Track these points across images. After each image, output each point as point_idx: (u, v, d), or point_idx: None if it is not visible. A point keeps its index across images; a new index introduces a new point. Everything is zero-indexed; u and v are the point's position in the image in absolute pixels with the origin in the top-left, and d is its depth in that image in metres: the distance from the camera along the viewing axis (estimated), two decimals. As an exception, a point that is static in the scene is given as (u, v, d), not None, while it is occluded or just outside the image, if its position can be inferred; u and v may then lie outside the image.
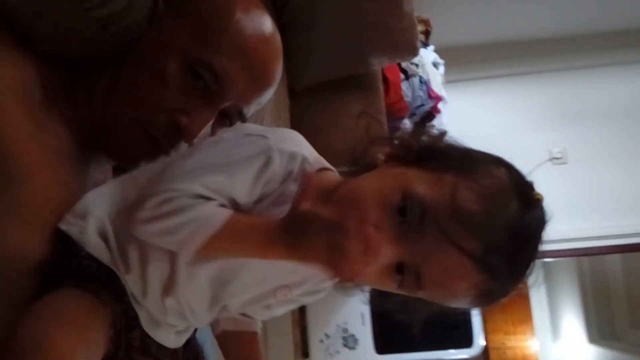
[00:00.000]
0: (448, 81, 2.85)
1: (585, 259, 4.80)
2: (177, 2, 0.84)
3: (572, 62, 3.51)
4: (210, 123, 0.84)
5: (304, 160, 0.71)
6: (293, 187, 0.69)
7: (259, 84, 0.86)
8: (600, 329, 5.10)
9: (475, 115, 3.43)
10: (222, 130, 0.78)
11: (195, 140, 0.83)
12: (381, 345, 2.96)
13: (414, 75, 2.34)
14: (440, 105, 2.49)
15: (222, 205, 0.66)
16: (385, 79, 2.15)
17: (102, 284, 0.68)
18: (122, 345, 0.69)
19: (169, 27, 0.82)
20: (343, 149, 2.03)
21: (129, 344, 0.70)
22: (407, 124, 2.29)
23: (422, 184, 0.67)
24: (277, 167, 0.68)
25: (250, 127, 0.77)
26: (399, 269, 0.67)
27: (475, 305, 0.72)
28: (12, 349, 0.58)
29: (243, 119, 0.88)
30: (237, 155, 0.69)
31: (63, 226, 0.70)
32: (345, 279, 0.65)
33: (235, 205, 0.68)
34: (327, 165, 0.76)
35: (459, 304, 0.71)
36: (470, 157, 0.71)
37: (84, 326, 0.64)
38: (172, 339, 0.77)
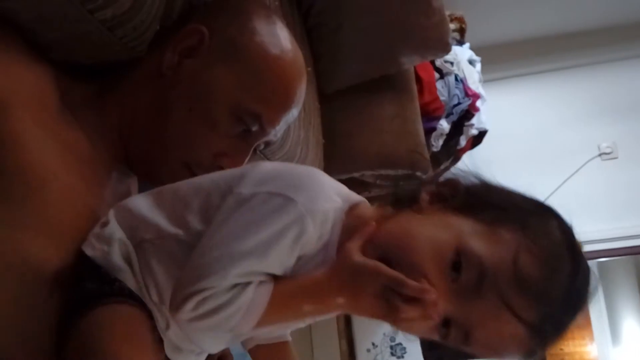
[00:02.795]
0: (486, 80, 2.79)
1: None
2: (226, 45, 0.85)
3: (619, 52, 3.40)
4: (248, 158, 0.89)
5: (336, 210, 0.68)
6: (330, 242, 0.68)
7: (290, 114, 0.90)
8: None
9: (516, 113, 3.36)
10: (235, 178, 0.72)
11: None
12: (429, 355, 2.90)
13: (449, 73, 2.28)
14: (478, 104, 2.42)
15: (262, 282, 0.65)
16: (419, 79, 2.11)
17: (138, 303, 0.67)
18: None
19: (218, 72, 0.84)
20: (375, 152, 2.00)
21: None
22: (443, 124, 2.23)
23: (478, 240, 0.65)
24: (312, 232, 0.65)
25: (271, 173, 0.71)
26: (446, 323, 0.66)
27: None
28: None
29: (268, 145, 0.94)
30: (268, 231, 0.64)
31: (88, 251, 0.69)
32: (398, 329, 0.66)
33: (274, 276, 0.66)
34: (357, 198, 0.73)
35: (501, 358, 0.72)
36: (523, 208, 0.69)
37: (144, 338, 0.65)
38: None
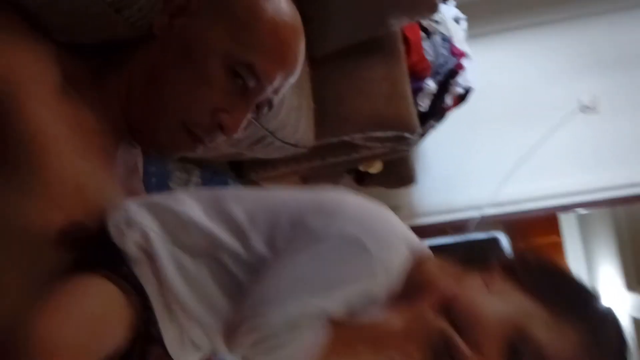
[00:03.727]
0: (471, 35, 2.78)
1: (621, 208, 4.72)
2: (212, 1, 0.84)
3: (601, 6, 3.38)
4: (248, 117, 0.87)
5: (405, 263, 0.68)
6: (395, 295, 0.67)
7: (290, 73, 0.89)
8: (638, 275, 5.05)
9: (502, 68, 3.36)
10: (309, 207, 0.72)
11: (235, 135, 0.86)
12: None
13: (435, 33, 2.28)
14: (464, 62, 2.43)
15: (322, 323, 0.64)
16: (405, 40, 2.10)
17: (135, 290, 0.68)
18: (136, 353, 0.68)
19: (207, 26, 0.83)
20: (365, 114, 2.02)
21: (144, 356, 0.69)
22: (430, 83, 2.25)
23: (543, 327, 0.64)
24: (380, 284, 0.66)
25: (346, 211, 0.70)
26: None
27: None
28: (17, 336, 0.58)
29: (271, 107, 0.92)
30: (337, 273, 0.65)
31: (111, 228, 0.71)
32: None
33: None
34: (423, 248, 0.73)
35: None
36: (590, 306, 0.69)
37: (103, 321, 0.64)
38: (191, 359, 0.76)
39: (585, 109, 3.26)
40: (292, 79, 0.90)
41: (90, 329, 0.62)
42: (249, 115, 0.87)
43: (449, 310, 0.65)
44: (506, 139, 3.25)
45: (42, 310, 0.60)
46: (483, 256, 0.72)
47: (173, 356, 0.72)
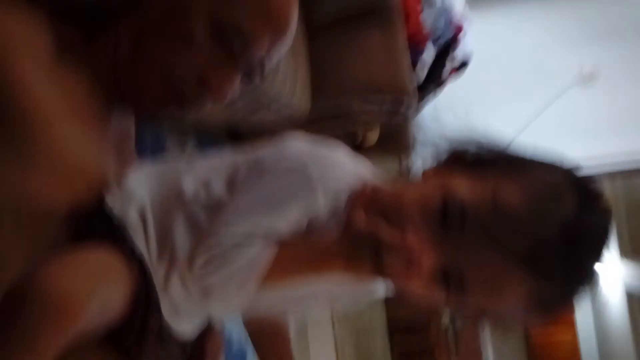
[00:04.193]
0: (471, 6, 2.76)
1: (617, 176, 4.73)
2: None
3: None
4: (238, 81, 0.85)
5: (350, 191, 0.71)
6: (341, 220, 0.70)
7: (280, 38, 0.86)
8: (633, 243, 5.10)
9: (501, 38, 3.34)
10: (263, 154, 0.76)
11: (225, 101, 0.85)
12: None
13: (433, 3, 2.27)
14: (462, 33, 2.42)
15: (267, 242, 0.69)
16: (403, 10, 2.09)
17: (135, 259, 0.70)
18: (138, 323, 0.71)
19: None
20: (362, 81, 2.01)
21: (146, 325, 0.72)
22: (427, 54, 2.24)
23: (463, 186, 0.67)
24: (322, 207, 0.69)
25: (294, 150, 0.75)
26: (444, 275, 0.66)
27: (532, 316, 0.69)
28: (21, 286, 0.58)
29: (264, 72, 0.90)
30: (279, 198, 0.69)
31: (109, 202, 0.73)
32: (399, 289, 0.67)
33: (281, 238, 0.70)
34: (376, 175, 0.76)
35: (513, 315, 0.70)
36: (522, 159, 0.70)
37: (105, 278, 0.66)
38: (189, 329, 0.79)
39: (584, 79, 3.24)
40: (285, 44, 0.88)
41: (98, 282, 0.63)
42: (238, 80, 0.85)
43: (379, 207, 0.68)
44: (505, 108, 3.25)
45: (50, 263, 0.62)
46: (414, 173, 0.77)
47: (172, 324, 0.74)
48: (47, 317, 0.56)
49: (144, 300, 0.70)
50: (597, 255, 0.66)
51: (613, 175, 3.46)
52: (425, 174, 0.74)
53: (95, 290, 0.62)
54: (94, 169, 0.78)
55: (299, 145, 0.76)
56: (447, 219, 0.65)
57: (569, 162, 0.69)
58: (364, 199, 0.68)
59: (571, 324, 6.22)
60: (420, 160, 0.76)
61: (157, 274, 0.72)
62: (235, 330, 0.89)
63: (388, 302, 5.17)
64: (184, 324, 0.77)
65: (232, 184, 0.74)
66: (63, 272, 0.60)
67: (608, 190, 5.11)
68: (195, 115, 0.90)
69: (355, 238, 0.66)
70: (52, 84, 0.75)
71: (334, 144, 0.77)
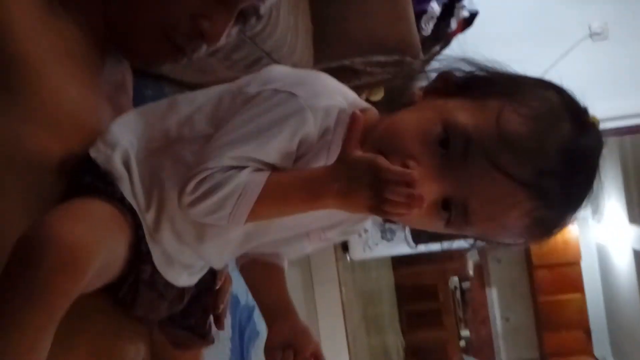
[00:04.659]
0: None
1: (627, 138, 4.69)
2: None
3: None
4: (231, 24, 0.83)
5: (340, 111, 0.68)
6: (333, 141, 0.67)
7: None
8: (642, 209, 5.08)
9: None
10: (246, 81, 0.73)
11: (218, 44, 0.84)
12: (416, 236, 3.00)
13: (440, -49, 2.19)
14: (470, -18, 2.35)
15: (259, 170, 0.65)
16: (409, -41, 2.02)
17: (125, 208, 0.68)
18: (133, 273, 0.69)
19: None
20: (365, 36, 1.97)
21: (139, 275, 0.70)
22: (434, 6, 2.17)
23: (463, 112, 0.65)
24: (312, 126, 0.66)
25: (277, 74, 0.72)
26: (445, 205, 0.65)
27: (530, 237, 0.69)
28: (29, 238, 0.57)
29: (259, 17, 0.88)
30: (267, 120, 0.66)
31: (92, 153, 0.70)
32: (392, 221, 0.64)
33: (274, 168, 0.66)
34: (364, 104, 0.72)
35: (511, 237, 0.69)
36: (516, 81, 0.69)
37: (108, 228, 0.64)
38: (183, 279, 0.76)
39: (594, 35, 3.18)
40: None
41: (105, 231, 0.63)
42: (232, 21, 0.83)
43: (376, 139, 0.66)
44: (514, 65, 3.19)
45: (56, 214, 0.61)
46: (405, 92, 0.72)
47: (164, 274, 0.72)
48: (59, 267, 0.55)
49: (136, 250, 0.69)
50: (593, 174, 0.67)
51: (623, 133, 3.40)
52: (415, 96, 0.71)
53: (104, 239, 0.61)
54: (86, 119, 0.76)
55: (283, 69, 0.74)
56: (449, 146, 0.64)
57: (554, 81, 0.70)
58: (357, 126, 0.64)
59: (579, 285, 6.25)
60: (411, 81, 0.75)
61: (147, 222, 0.69)
62: (241, 285, 0.87)
63: (395, 263, 5.20)
64: (179, 274, 0.75)
65: (216, 116, 0.71)
66: (71, 222, 0.59)
67: (617, 150, 5.07)
68: (190, 61, 0.86)
69: (350, 170, 0.62)
70: (43, 31, 0.73)
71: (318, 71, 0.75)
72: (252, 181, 0.64)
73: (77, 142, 0.73)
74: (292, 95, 0.66)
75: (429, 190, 0.63)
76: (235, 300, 1.61)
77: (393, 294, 5.42)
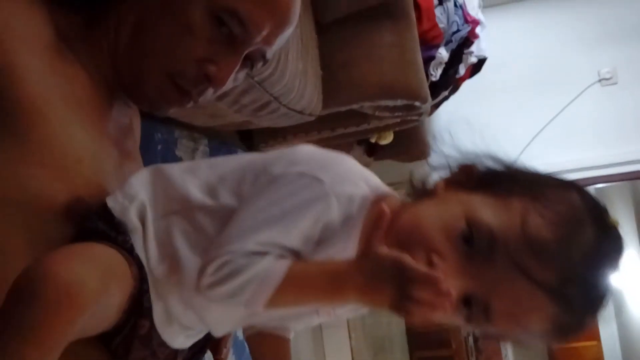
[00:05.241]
0: (488, 4, 2.73)
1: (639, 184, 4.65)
2: None
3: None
4: (237, 68, 0.84)
5: (363, 199, 0.68)
6: (354, 229, 0.67)
7: (281, 25, 0.84)
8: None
9: (515, 40, 3.31)
10: (271, 159, 0.73)
11: (224, 88, 0.84)
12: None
13: (448, -1, 2.23)
14: (477, 30, 2.38)
15: (282, 256, 0.64)
16: (417, 6, 2.06)
17: (133, 261, 0.67)
18: (129, 326, 0.68)
19: None
20: (374, 82, 1.99)
21: (135, 330, 0.68)
22: (442, 52, 2.20)
23: (488, 210, 0.65)
24: (335, 212, 0.66)
25: (303, 156, 0.72)
26: (466, 301, 0.65)
27: (549, 339, 0.69)
28: (28, 274, 0.56)
29: (265, 61, 0.88)
30: (291, 204, 0.65)
31: (110, 202, 0.70)
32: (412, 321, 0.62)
33: (295, 253, 0.66)
34: (386, 190, 0.72)
35: (531, 338, 0.69)
36: (539, 181, 0.69)
37: (110, 273, 0.63)
38: (180, 340, 0.75)
39: (604, 80, 3.19)
40: (287, 31, 0.86)
41: (105, 276, 0.61)
42: (238, 65, 0.84)
43: (398, 233, 0.65)
44: (522, 111, 3.21)
45: (58, 254, 0.60)
46: (427, 182, 0.72)
47: (161, 332, 0.71)
48: (55, 304, 0.54)
49: (137, 303, 0.67)
50: (614, 278, 0.67)
51: (634, 177, 3.37)
52: (437, 188, 0.71)
53: (104, 283, 0.60)
54: (91, 163, 0.76)
55: (308, 150, 0.73)
56: (472, 243, 0.63)
57: (576, 181, 0.71)
58: (383, 223, 0.63)
59: (595, 333, 6.10)
60: (434, 170, 0.74)
61: (154, 278, 0.68)
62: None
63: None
64: (177, 334, 0.73)
65: (239, 191, 0.71)
66: (72, 261, 0.58)
67: (630, 194, 5.03)
68: (197, 105, 0.87)
69: (375, 267, 0.61)
70: (49, 74, 0.74)
71: (343, 154, 0.74)
72: (274, 269, 0.62)
73: (82, 185, 0.73)
74: (317, 180, 0.66)
75: (451, 286, 0.61)
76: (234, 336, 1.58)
77: (404, 340, 5.31)
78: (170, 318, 0.71)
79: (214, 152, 1.94)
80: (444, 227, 0.65)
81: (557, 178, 0.71)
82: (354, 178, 0.70)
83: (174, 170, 0.76)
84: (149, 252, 0.68)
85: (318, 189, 0.66)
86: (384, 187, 0.73)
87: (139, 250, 0.68)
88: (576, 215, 0.65)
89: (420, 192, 0.72)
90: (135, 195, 0.71)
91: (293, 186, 0.67)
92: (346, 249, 0.66)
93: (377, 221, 0.64)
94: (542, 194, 0.65)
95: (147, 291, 0.68)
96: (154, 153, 1.60)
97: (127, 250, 0.67)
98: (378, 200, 0.69)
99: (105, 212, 0.70)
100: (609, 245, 0.66)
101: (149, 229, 0.69)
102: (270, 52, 0.87)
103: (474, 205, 0.66)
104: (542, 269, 0.61)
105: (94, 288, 0.57)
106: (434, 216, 0.66)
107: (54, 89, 0.73)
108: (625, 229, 5.22)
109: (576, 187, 0.69)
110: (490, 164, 0.71)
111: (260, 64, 0.89)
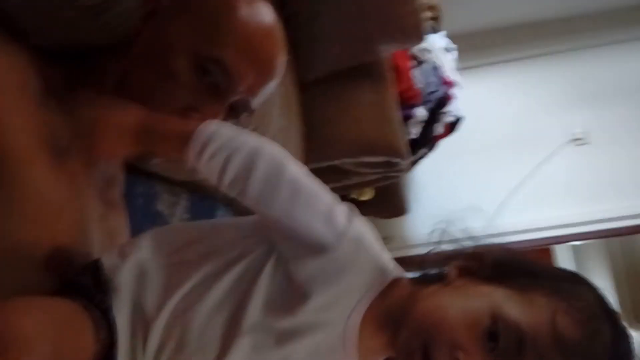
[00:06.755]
0: (463, 68, 2.82)
1: (616, 241, 4.70)
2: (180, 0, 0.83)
3: (586, 40, 3.44)
4: (221, 117, 0.84)
5: (383, 273, 0.69)
6: (366, 299, 0.68)
7: (265, 76, 0.86)
8: (636, 312, 4.99)
9: (491, 101, 3.39)
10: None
11: None
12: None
13: (425, 61, 2.31)
14: (454, 91, 2.45)
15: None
16: (395, 67, 2.13)
17: (104, 321, 0.65)
18: None
19: (174, 23, 0.82)
20: (354, 138, 2.02)
21: None
22: (420, 111, 2.26)
23: (512, 305, 0.64)
24: (345, 252, 0.68)
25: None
26: None
27: None
28: None
29: (249, 111, 0.89)
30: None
31: (104, 258, 0.70)
32: None
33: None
34: (400, 271, 0.72)
35: None
36: (552, 274, 0.70)
37: (68, 330, 0.61)
38: None
39: (577, 141, 3.27)
40: (271, 82, 0.88)
41: (57, 332, 0.58)
42: (222, 115, 0.84)
43: (415, 324, 0.65)
44: (498, 170, 3.26)
45: (17, 303, 0.59)
46: (439, 270, 0.72)
47: None
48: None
49: None
50: None
51: (610, 235, 3.42)
52: (450, 274, 0.70)
53: (52, 340, 0.57)
54: (74, 213, 0.76)
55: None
56: (498, 340, 0.63)
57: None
58: (403, 313, 0.65)
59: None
60: (433, 247, 0.75)
61: (125, 344, 0.66)
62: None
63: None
64: None
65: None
66: (24, 313, 0.57)
67: (606, 252, 5.07)
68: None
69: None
70: (34, 126, 0.73)
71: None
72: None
73: (65, 235, 0.72)
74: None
75: None
76: None
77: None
78: None
79: (194, 206, 1.93)
80: (468, 322, 0.63)
81: (568, 271, 0.72)
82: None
83: (181, 236, 0.75)
84: (124, 316, 0.66)
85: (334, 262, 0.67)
86: (398, 268, 0.72)
87: (116, 311, 0.66)
88: (595, 312, 0.65)
89: (430, 277, 0.71)
90: (134, 255, 0.70)
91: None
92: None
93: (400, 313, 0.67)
94: (563, 290, 0.66)
95: (116, 356, 0.65)
96: (135, 206, 1.59)
97: (103, 310, 0.65)
98: (394, 281, 0.69)
99: (95, 267, 0.69)
100: (623, 343, 0.66)
101: (135, 292, 0.67)
102: (254, 103, 0.88)
103: (498, 299, 0.65)
104: None
105: (36, 344, 0.55)
106: (457, 309, 0.65)
107: (38, 138, 0.73)
108: (601, 285, 5.24)
109: (585, 281, 0.70)
110: (498, 252, 0.71)
111: (245, 115, 0.89)
